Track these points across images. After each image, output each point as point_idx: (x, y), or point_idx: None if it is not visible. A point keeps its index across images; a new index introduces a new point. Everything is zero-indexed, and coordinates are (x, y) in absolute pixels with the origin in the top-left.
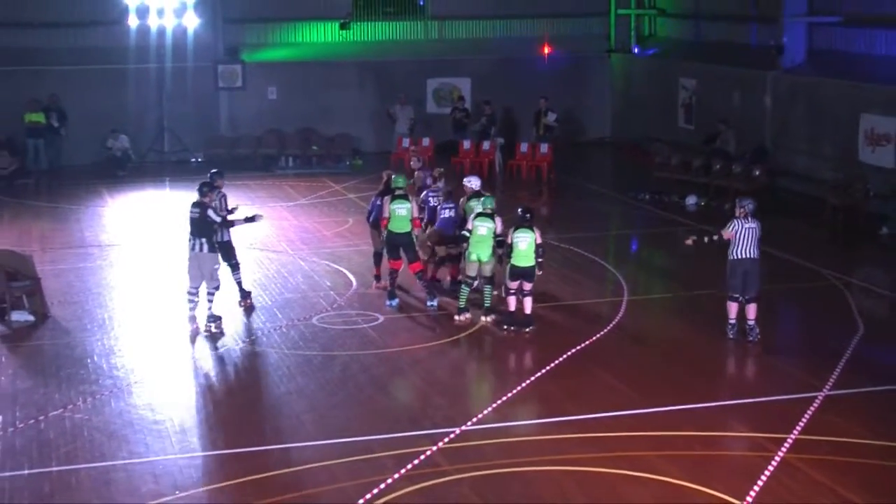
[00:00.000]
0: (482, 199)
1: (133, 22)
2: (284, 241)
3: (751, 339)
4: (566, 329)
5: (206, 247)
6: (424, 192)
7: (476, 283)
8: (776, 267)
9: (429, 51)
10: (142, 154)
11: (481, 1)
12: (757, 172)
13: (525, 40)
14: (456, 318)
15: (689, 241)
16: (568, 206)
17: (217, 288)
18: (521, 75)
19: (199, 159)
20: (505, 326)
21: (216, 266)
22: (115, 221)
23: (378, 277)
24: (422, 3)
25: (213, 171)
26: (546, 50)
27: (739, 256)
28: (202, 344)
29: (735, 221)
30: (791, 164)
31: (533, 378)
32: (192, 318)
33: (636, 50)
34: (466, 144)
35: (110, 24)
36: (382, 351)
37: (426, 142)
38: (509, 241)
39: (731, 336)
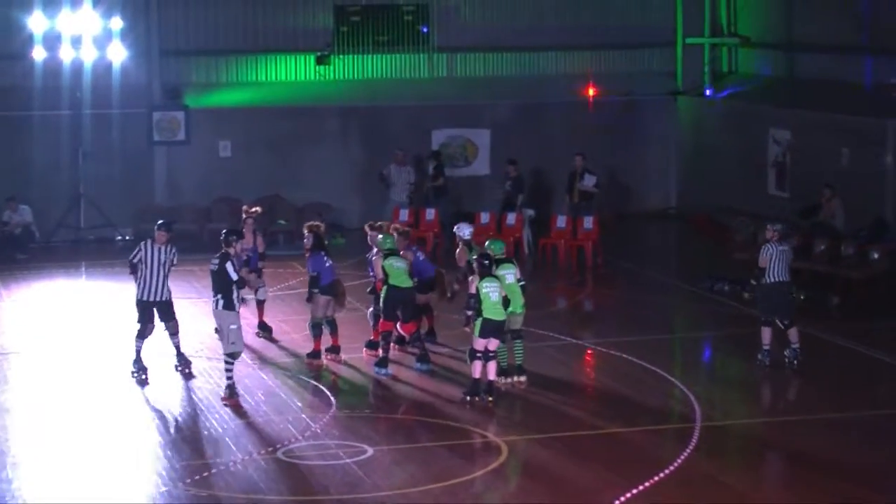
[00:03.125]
0: (488, 244)
1: (39, 55)
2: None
3: (793, 362)
4: (617, 466)
5: (221, 303)
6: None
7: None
8: None
9: (435, 93)
10: (49, 231)
11: (503, 28)
12: (875, 255)
13: (562, 79)
14: (504, 380)
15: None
16: (620, 301)
17: (233, 355)
18: (556, 125)
19: (128, 237)
20: (468, 397)
21: (232, 326)
22: (12, 322)
23: (330, 350)
24: (425, 29)
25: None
26: (590, 92)
27: (775, 279)
28: (129, 483)
29: (769, 246)
30: None
31: None
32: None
33: (710, 91)
34: (485, 218)
35: (7, 58)
36: (371, 496)
37: (430, 214)
38: (473, 291)
39: (767, 363)
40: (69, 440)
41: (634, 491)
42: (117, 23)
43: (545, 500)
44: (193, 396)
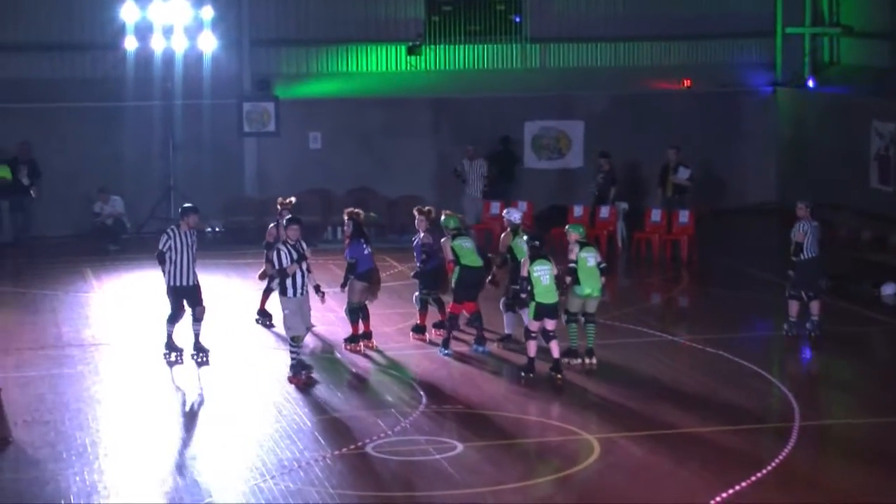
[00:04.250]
0: (570, 226)
1: (131, 45)
2: (332, 341)
3: (812, 333)
4: (714, 465)
5: (279, 290)
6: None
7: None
8: None
9: (527, 84)
10: (140, 222)
11: (597, 17)
12: None
13: (657, 70)
14: (570, 360)
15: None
16: (716, 296)
17: (295, 339)
18: (650, 118)
19: (217, 229)
20: (523, 374)
21: (285, 311)
22: (103, 313)
23: (363, 336)
24: (518, 19)
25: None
26: (686, 83)
27: (810, 255)
28: (219, 478)
29: (802, 223)
30: None
31: None
32: (295, 367)
33: (812, 83)
34: (578, 211)
35: (100, 48)
36: (462, 493)
37: (523, 206)
38: (525, 274)
39: (791, 334)
40: (158, 433)
41: (731, 491)
42: (208, 12)
43: (641, 500)
44: (284, 390)
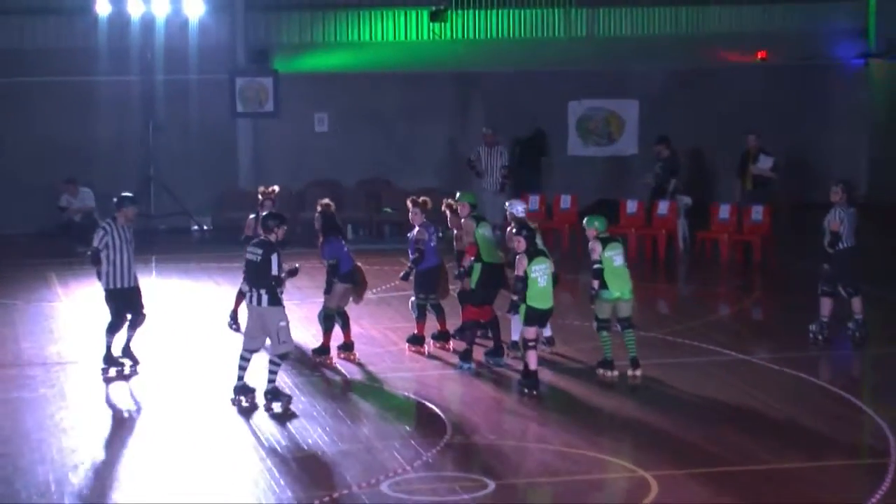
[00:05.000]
0: (587, 219)
1: (104, 9)
2: (338, 358)
3: (856, 334)
4: None
5: (265, 299)
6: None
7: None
8: None
9: (572, 56)
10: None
11: None
12: None
13: (727, 40)
14: (605, 372)
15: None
16: (795, 308)
17: (284, 356)
18: (719, 96)
19: (206, 227)
20: (525, 390)
21: (282, 323)
22: (70, 326)
23: (344, 347)
24: None
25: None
26: (762, 56)
27: (846, 245)
28: None
29: (837, 210)
30: None
31: None
32: (239, 389)
33: None
34: (632, 207)
35: (68, 13)
36: None
37: (566, 201)
38: (521, 274)
39: (822, 337)
40: (133, 469)
41: None
42: None
43: None
44: (279, 417)
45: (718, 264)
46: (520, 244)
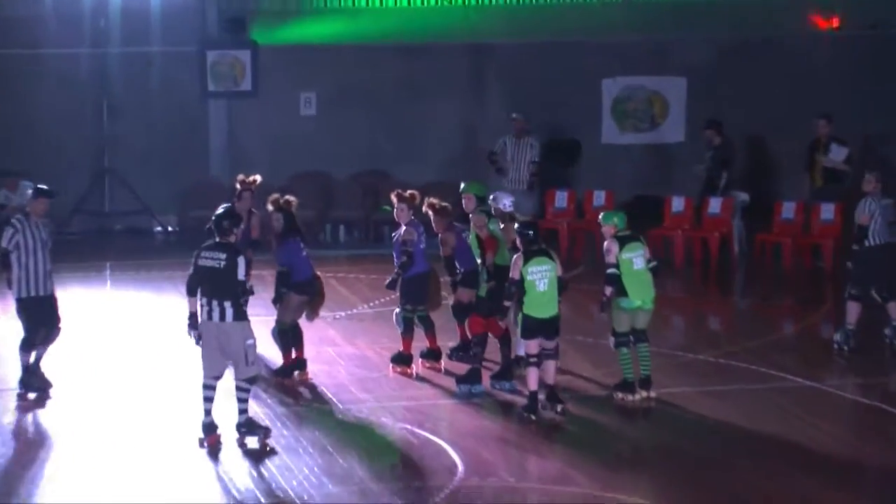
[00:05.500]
0: (604, 215)
1: None
2: (328, 384)
3: (893, 341)
4: None
5: (230, 313)
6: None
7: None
8: None
9: (607, 25)
10: (63, 219)
11: None
12: None
13: (790, 6)
14: (625, 396)
15: None
16: (877, 325)
17: (252, 380)
18: (782, 72)
19: (170, 228)
20: (526, 414)
21: (249, 341)
22: (7, 347)
23: (297, 367)
24: None
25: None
26: (832, 22)
27: (878, 242)
28: None
29: (870, 201)
30: None
31: None
32: (208, 427)
33: None
34: (678, 204)
35: None
36: None
37: (600, 198)
38: (516, 276)
39: (847, 348)
40: None
41: None
42: None
43: None
44: (267, 454)
45: (781, 272)
46: (517, 241)
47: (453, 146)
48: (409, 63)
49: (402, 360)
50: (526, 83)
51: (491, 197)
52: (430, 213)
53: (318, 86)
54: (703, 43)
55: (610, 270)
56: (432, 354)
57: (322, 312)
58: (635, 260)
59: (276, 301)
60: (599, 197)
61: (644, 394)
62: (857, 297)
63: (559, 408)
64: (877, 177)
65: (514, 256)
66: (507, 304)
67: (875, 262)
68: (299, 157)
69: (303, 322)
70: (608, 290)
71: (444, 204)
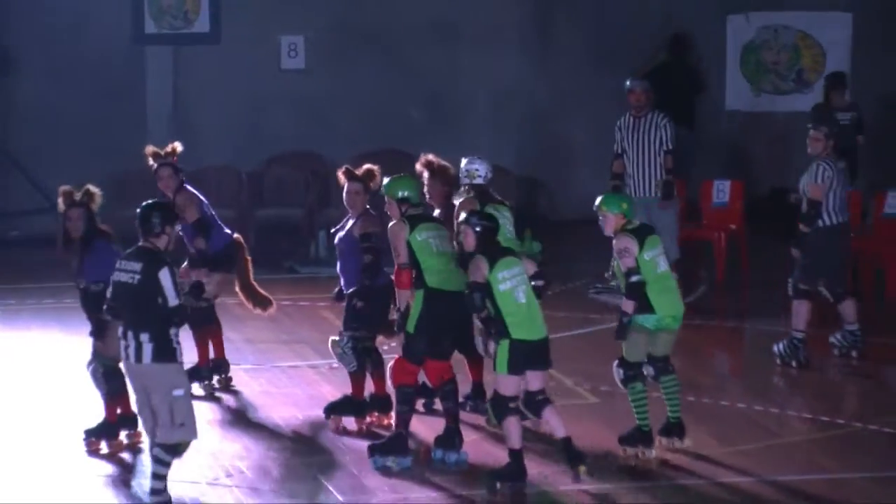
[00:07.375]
0: (605, 199)
1: None
2: (321, 436)
3: (851, 352)
4: None
5: (148, 350)
6: None
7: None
8: None
9: None
10: None
11: None
12: None
13: None
14: (640, 451)
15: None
16: None
17: (177, 449)
18: None
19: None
20: (499, 485)
21: (177, 392)
22: None
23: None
24: None
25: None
26: None
27: (835, 221)
28: None
29: (824, 165)
30: None
31: None
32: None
33: None
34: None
35: None
36: None
37: (723, 190)
38: (479, 279)
39: (796, 364)
40: None
41: None
42: None
43: None
44: None
45: None
46: (468, 238)
47: (503, 116)
48: None
49: (346, 408)
50: (615, 29)
51: (463, 161)
52: (426, 174)
53: (307, 27)
54: None
55: (634, 278)
56: (381, 403)
57: (316, 360)
58: (659, 260)
59: (96, 334)
60: (722, 189)
61: (673, 440)
62: (804, 293)
63: (583, 469)
64: (825, 132)
65: (475, 259)
66: (481, 316)
67: (827, 247)
68: (279, 131)
69: (287, 360)
70: (629, 306)
71: (444, 163)
